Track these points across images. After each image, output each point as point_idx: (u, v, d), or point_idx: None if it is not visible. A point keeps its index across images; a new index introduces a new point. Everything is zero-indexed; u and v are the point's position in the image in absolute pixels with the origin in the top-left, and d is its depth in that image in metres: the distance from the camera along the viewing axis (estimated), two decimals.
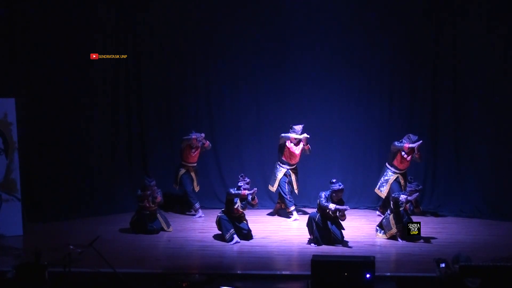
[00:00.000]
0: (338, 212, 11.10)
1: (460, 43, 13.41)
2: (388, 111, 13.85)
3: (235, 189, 11.37)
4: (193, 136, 13.02)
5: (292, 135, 12.89)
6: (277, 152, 13.12)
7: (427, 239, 11.51)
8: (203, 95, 14.04)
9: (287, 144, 12.93)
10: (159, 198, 12.03)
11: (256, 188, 11.51)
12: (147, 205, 11.93)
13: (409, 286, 9.51)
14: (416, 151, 12.67)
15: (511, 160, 13.14)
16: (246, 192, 11.32)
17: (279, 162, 13.11)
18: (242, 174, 11.66)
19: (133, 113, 13.79)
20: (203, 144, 13.15)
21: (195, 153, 13.24)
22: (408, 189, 11.59)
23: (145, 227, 11.92)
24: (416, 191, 11.52)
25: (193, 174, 13.29)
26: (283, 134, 12.96)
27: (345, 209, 11.10)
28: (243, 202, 11.43)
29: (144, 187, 11.97)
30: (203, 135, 13.10)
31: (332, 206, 11.03)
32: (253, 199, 11.45)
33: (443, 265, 8.71)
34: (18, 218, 11.72)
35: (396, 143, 12.81)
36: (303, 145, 12.92)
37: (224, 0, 13.81)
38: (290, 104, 13.91)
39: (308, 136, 12.85)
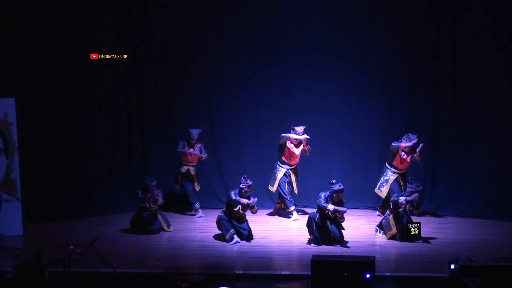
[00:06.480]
0: (337, 213, 11.10)
1: (460, 43, 13.41)
2: (388, 111, 13.84)
3: (237, 191, 11.32)
4: (187, 151, 12.97)
5: (293, 136, 12.88)
6: (277, 152, 13.12)
7: (427, 239, 11.51)
8: (203, 95, 14.03)
9: (287, 144, 12.92)
10: (160, 200, 12.03)
11: (256, 198, 11.42)
12: (148, 205, 11.93)
13: (409, 286, 9.51)
14: (417, 154, 12.65)
15: (511, 160, 13.14)
16: (246, 201, 11.25)
17: (278, 162, 13.10)
18: (245, 176, 11.54)
19: (133, 113, 13.77)
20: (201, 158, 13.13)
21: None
22: (408, 189, 11.58)
23: (146, 227, 11.91)
24: (415, 191, 11.51)
25: (193, 175, 13.29)
26: (283, 134, 12.95)
27: (344, 211, 11.10)
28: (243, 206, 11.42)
29: (144, 188, 11.96)
30: (199, 131, 13.06)
31: (331, 207, 11.03)
32: (252, 207, 11.39)
33: (453, 265, 8.70)
34: (18, 218, 11.71)
35: (394, 143, 12.80)
36: (303, 146, 12.92)
37: (224, 0, 13.82)
38: (290, 104, 13.89)
39: (308, 137, 12.85)
